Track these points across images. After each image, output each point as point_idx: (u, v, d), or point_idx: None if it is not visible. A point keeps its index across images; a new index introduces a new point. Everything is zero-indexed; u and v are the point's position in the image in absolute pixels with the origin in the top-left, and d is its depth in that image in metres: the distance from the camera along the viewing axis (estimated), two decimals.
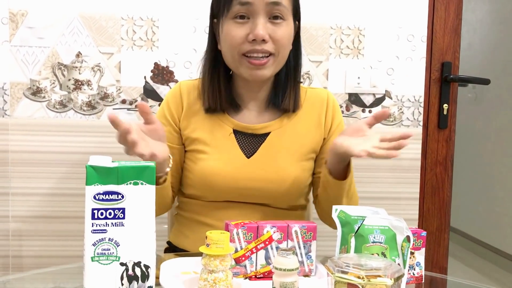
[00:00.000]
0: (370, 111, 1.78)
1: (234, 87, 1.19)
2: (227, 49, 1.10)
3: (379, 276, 0.74)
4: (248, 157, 1.15)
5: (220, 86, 1.16)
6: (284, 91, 1.18)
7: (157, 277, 0.85)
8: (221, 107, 1.16)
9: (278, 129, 1.18)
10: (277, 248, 0.92)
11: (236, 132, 1.17)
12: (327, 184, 1.11)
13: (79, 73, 1.65)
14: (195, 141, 1.16)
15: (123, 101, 1.67)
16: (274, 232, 0.92)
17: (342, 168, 1.09)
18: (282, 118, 1.19)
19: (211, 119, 1.16)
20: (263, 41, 1.07)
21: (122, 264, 0.78)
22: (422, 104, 1.80)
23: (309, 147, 1.19)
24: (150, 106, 1.68)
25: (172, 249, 1.25)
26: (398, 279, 0.76)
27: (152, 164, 0.79)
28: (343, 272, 0.74)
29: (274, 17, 1.08)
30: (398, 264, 0.85)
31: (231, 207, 1.15)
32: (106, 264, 0.78)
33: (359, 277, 0.73)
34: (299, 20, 1.17)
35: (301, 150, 1.18)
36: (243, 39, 1.07)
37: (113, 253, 0.78)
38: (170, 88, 1.68)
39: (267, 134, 1.17)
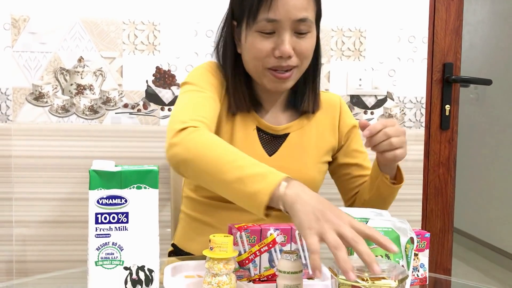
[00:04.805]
0: (372, 113, 1.78)
1: (254, 89, 1.18)
2: (250, 59, 1.09)
3: (383, 278, 0.74)
4: (270, 155, 1.15)
5: (244, 89, 1.14)
6: (303, 93, 1.18)
7: (161, 281, 0.85)
8: (246, 108, 1.15)
9: (297, 130, 1.19)
10: (280, 250, 0.92)
11: (258, 129, 1.16)
12: (383, 188, 1.14)
13: (81, 78, 1.66)
14: (217, 132, 1.14)
15: (125, 105, 1.67)
16: (277, 235, 0.92)
17: (393, 171, 1.14)
18: (301, 119, 1.20)
19: (237, 112, 1.15)
20: (289, 56, 1.06)
21: (126, 268, 0.78)
22: (424, 105, 1.80)
23: (324, 150, 1.21)
24: (152, 110, 1.68)
25: (177, 252, 1.24)
26: (402, 281, 0.76)
27: (155, 168, 0.79)
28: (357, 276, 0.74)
29: (299, 32, 1.07)
30: (402, 266, 0.85)
31: (240, 209, 1.15)
32: (110, 268, 0.78)
33: (363, 279, 0.73)
34: (319, 24, 1.16)
35: (318, 153, 1.19)
36: (269, 53, 1.06)
37: (117, 257, 0.78)
38: (172, 92, 1.68)
39: (286, 135, 1.18)
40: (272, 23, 1.04)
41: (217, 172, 0.88)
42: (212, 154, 0.90)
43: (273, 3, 1.02)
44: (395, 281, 0.74)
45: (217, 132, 1.13)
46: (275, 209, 0.83)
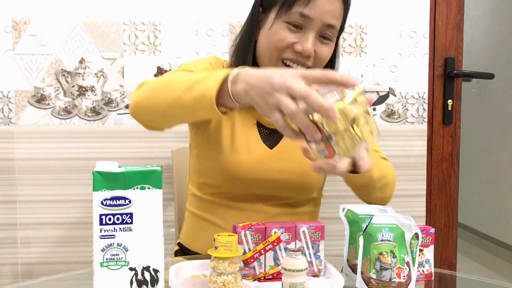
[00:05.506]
0: (374, 109, 1.77)
1: None
2: (268, 47, 1.08)
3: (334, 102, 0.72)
4: (271, 148, 1.15)
5: None
6: None
7: (166, 281, 0.85)
8: None
9: None
10: (285, 249, 0.92)
11: (258, 124, 1.16)
12: (346, 178, 1.09)
13: (83, 79, 1.66)
14: (218, 129, 1.14)
15: (127, 106, 1.67)
16: (281, 233, 0.92)
17: None
18: None
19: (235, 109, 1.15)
20: (307, 56, 1.07)
21: (131, 269, 0.78)
22: (426, 101, 1.80)
23: None
24: None
25: (183, 251, 1.24)
26: (355, 99, 0.73)
27: (158, 168, 0.79)
28: (306, 111, 0.73)
29: (323, 36, 1.08)
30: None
31: (244, 207, 1.15)
32: (115, 269, 0.78)
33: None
34: (339, 38, 1.16)
35: None
36: (289, 45, 1.06)
37: (122, 258, 0.78)
38: None
39: None
40: (303, 19, 1.05)
41: (169, 93, 0.89)
42: (164, 83, 0.93)
43: (311, 0, 1.03)
44: (343, 101, 0.72)
45: (218, 129, 1.13)
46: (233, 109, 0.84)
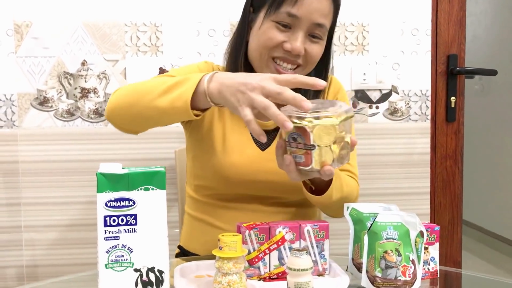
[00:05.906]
0: (377, 107, 1.77)
1: None
2: (258, 47, 1.09)
3: (328, 117, 0.79)
4: (263, 150, 1.15)
5: None
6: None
7: (171, 284, 0.85)
8: None
9: None
10: (290, 248, 0.92)
11: None
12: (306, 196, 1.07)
13: (85, 81, 1.66)
14: (210, 132, 1.14)
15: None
16: (286, 233, 0.92)
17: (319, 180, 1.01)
18: None
19: (226, 111, 1.15)
20: (297, 54, 1.07)
21: (136, 270, 0.78)
22: (429, 98, 1.79)
23: None
24: None
25: (184, 253, 1.24)
26: (346, 119, 0.80)
27: (162, 169, 0.79)
28: (298, 117, 0.79)
29: (313, 35, 1.08)
30: (349, 107, 0.84)
31: (240, 208, 1.15)
32: (120, 270, 0.78)
33: (310, 121, 0.79)
34: (331, 38, 1.16)
35: None
36: (279, 44, 1.06)
37: (126, 259, 0.78)
38: None
39: (277, 129, 1.17)
40: (291, 18, 1.05)
41: (146, 96, 0.94)
42: (140, 87, 0.98)
43: (299, 0, 1.04)
44: (337, 118, 0.78)
45: (209, 131, 1.13)
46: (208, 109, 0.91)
